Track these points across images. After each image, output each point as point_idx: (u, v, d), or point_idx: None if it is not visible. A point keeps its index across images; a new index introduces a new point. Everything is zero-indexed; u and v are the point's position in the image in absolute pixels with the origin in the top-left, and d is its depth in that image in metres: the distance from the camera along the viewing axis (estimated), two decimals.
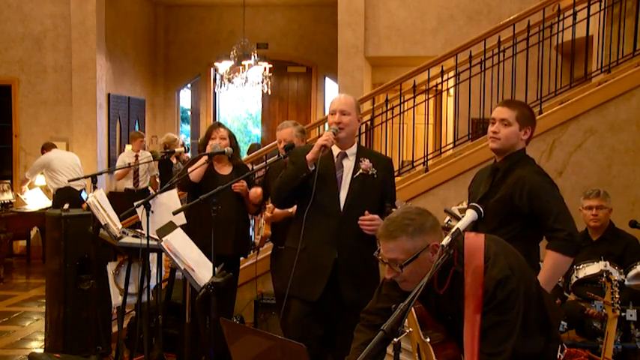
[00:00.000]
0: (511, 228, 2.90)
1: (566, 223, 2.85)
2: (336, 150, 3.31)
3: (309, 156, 3.19)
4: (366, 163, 3.26)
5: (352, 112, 3.29)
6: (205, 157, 4.16)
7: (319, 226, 3.23)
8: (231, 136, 4.45)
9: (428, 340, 2.39)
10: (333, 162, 3.29)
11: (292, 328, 3.32)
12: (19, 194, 8.38)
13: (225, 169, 4.43)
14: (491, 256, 2.15)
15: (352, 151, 3.31)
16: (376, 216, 3.15)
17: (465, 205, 3.48)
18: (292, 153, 3.42)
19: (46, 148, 8.15)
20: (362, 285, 3.15)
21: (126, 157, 8.61)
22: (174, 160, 8.40)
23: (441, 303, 2.28)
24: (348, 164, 3.29)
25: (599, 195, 4.35)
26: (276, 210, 4.13)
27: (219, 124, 4.50)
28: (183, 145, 9.11)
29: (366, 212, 3.15)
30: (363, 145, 6.32)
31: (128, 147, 9.89)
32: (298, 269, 3.22)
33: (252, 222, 5.14)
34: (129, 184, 8.53)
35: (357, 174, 3.25)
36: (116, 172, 8.60)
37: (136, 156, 8.42)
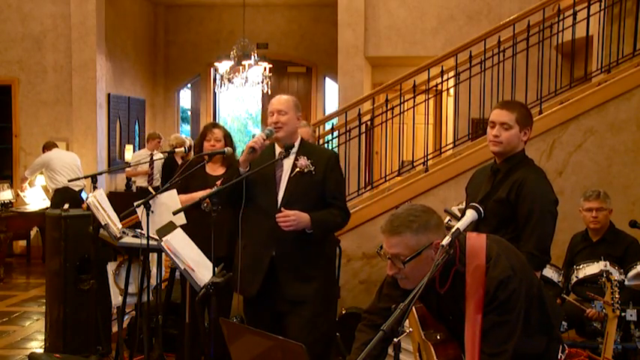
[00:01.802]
0: (512, 228, 2.91)
1: (533, 242, 2.85)
2: (278, 150, 3.34)
3: (240, 158, 3.25)
4: (302, 161, 3.28)
5: (289, 112, 3.32)
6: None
7: (258, 225, 3.29)
8: (227, 136, 4.34)
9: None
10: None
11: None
12: (19, 192, 8.38)
13: (218, 170, 4.28)
14: (492, 257, 2.15)
15: (293, 150, 3.32)
16: (291, 212, 3.16)
17: (464, 205, 3.48)
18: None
19: (47, 147, 8.14)
20: (305, 279, 3.26)
21: (138, 156, 8.68)
22: (179, 161, 8.41)
23: (442, 303, 2.29)
24: (288, 163, 3.30)
25: (599, 197, 4.32)
26: None
27: (214, 125, 4.39)
28: (190, 146, 9.12)
29: (282, 209, 3.19)
30: (362, 146, 6.34)
31: (128, 147, 9.90)
32: (241, 267, 3.34)
33: None
34: (143, 181, 8.58)
35: (294, 172, 3.27)
36: (127, 169, 8.70)
37: (151, 155, 8.46)
